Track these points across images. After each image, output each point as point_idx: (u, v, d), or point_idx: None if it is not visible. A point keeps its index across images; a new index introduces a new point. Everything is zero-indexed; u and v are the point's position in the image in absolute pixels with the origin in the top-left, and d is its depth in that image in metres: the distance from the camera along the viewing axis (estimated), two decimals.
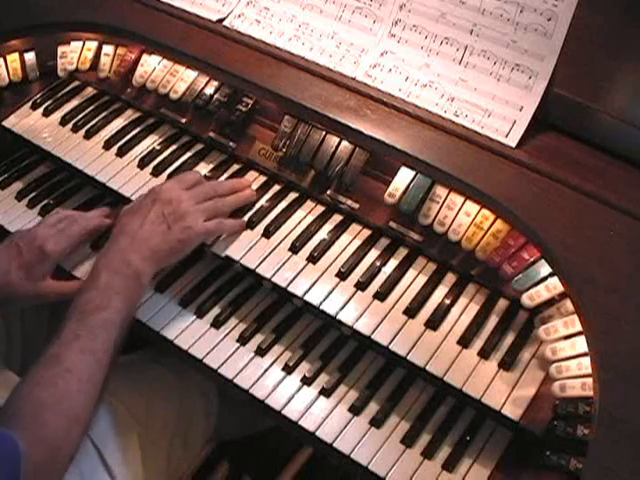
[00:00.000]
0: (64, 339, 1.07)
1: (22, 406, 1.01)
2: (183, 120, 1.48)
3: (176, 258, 1.25)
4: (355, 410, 1.16)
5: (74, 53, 1.58)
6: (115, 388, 1.28)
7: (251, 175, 1.41)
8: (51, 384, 1.02)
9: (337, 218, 1.33)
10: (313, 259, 1.26)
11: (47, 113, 1.57)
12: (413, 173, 1.26)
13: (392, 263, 1.26)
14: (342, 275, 1.24)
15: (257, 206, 1.35)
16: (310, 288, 1.22)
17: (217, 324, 1.26)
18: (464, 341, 1.15)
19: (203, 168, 1.43)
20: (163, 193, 1.25)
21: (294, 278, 1.24)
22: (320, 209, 1.35)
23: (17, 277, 1.20)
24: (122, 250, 1.18)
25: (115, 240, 1.20)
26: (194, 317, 1.27)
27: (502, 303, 1.21)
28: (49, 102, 1.59)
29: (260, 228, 1.31)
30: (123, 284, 1.14)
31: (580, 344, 1.06)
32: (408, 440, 1.13)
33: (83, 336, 1.07)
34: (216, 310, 1.29)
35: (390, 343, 1.15)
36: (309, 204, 1.36)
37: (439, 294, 1.22)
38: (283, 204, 1.35)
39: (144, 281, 1.18)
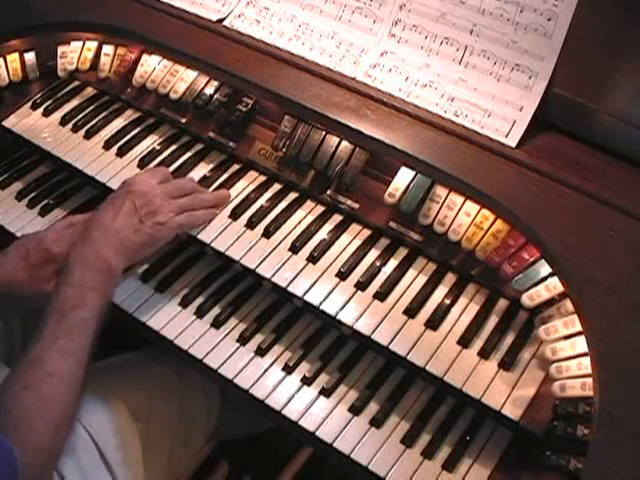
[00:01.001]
0: (44, 341, 1.07)
1: (10, 409, 1.01)
2: (183, 120, 1.48)
3: (146, 252, 1.25)
4: (355, 410, 1.16)
5: (74, 53, 1.58)
6: (116, 387, 1.28)
7: (251, 175, 1.41)
8: (36, 388, 1.03)
9: (337, 218, 1.33)
10: (313, 259, 1.26)
11: (47, 113, 1.57)
12: (413, 173, 1.26)
13: (392, 263, 1.26)
14: (342, 275, 1.24)
15: (257, 206, 1.35)
16: (310, 288, 1.22)
17: (217, 324, 1.26)
18: (464, 341, 1.15)
19: (203, 168, 1.43)
20: (136, 185, 1.25)
21: (294, 278, 1.24)
22: (320, 209, 1.35)
23: (23, 277, 1.20)
24: (95, 242, 1.17)
25: (88, 231, 1.20)
26: (194, 317, 1.27)
27: (502, 303, 1.21)
28: (49, 102, 1.59)
29: (260, 228, 1.31)
30: (97, 279, 1.14)
31: (580, 344, 1.06)
32: (408, 440, 1.13)
33: (62, 337, 1.07)
34: (216, 310, 1.29)
35: (390, 343, 1.15)
36: (309, 204, 1.36)
37: (439, 294, 1.22)
38: (283, 204, 1.35)
39: (116, 273, 1.18)
